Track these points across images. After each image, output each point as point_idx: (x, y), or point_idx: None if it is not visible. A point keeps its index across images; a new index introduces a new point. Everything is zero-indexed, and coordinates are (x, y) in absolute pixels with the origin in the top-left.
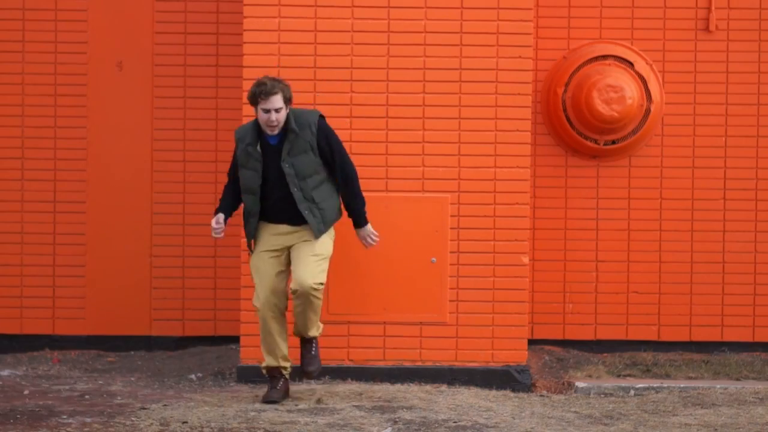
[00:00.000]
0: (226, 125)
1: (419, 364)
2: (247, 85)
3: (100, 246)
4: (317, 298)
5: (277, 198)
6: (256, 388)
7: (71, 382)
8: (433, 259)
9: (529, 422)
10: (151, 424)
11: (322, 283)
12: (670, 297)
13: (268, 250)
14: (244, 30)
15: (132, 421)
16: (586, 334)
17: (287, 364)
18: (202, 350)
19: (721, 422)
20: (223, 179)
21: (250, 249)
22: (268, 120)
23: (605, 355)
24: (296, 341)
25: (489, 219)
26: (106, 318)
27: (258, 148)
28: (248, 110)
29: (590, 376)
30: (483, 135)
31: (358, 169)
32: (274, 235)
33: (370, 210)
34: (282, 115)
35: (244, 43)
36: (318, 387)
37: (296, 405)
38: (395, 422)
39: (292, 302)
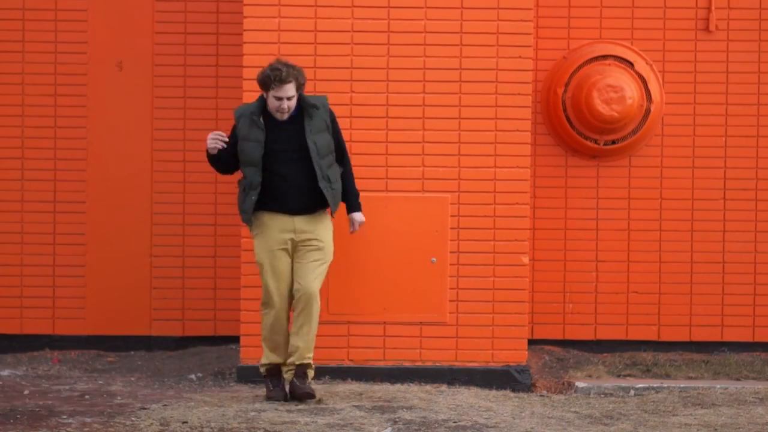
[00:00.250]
0: (226, 125)
1: (419, 364)
2: (248, 85)
3: (100, 246)
4: (317, 302)
5: (285, 173)
6: (256, 388)
7: (71, 382)
8: (433, 259)
9: (529, 422)
10: (151, 424)
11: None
12: (670, 297)
13: (280, 249)
14: (244, 30)
15: (132, 421)
16: (586, 334)
17: (291, 362)
18: (202, 350)
19: (721, 422)
20: (224, 179)
21: (249, 224)
22: (279, 107)
23: (605, 355)
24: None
25: (489, 219)
26: (106, 318)
27: (261, 119)
28: None
29: (590, 376)
30: (483, 135)
31: (357, 169)
32: (281, 232)
33: (370, 210)
34: (293, 103)
35: (244, 43)
36: (318, 387)
37: (296, 405)
38: (395, 422)
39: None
